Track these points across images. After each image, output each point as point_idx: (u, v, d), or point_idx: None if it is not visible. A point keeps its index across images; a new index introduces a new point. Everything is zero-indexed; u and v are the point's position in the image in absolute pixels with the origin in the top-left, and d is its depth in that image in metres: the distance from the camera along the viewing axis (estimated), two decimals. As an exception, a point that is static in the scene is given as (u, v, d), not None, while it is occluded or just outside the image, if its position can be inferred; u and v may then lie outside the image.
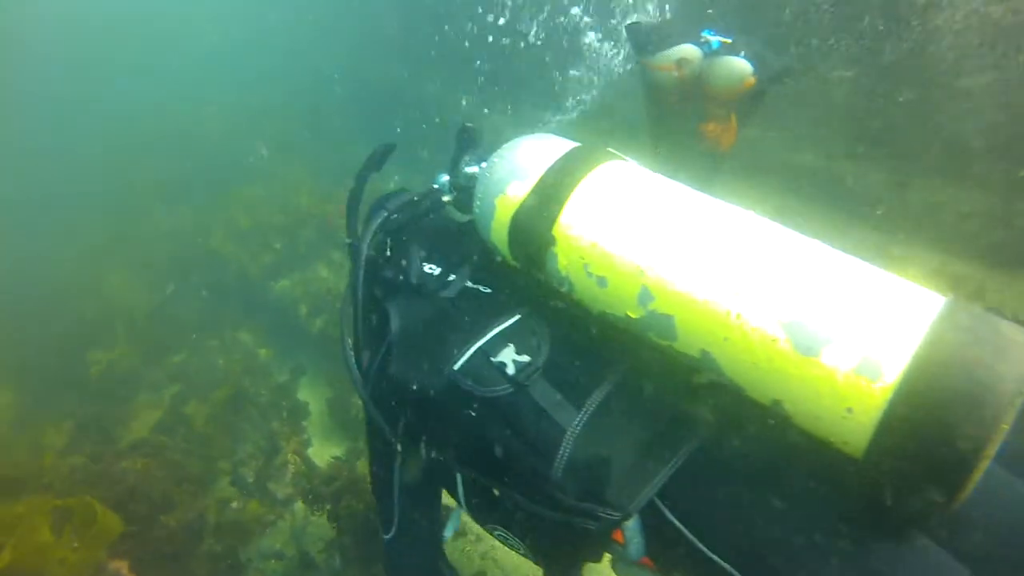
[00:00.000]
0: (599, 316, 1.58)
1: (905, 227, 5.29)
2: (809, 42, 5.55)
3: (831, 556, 1.29)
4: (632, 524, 1.46)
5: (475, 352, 1.64)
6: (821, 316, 1.23)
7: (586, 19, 4.26)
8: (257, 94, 11.60)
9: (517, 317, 1.71)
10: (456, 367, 1.64)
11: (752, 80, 3.13)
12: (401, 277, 1.89)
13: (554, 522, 1.51)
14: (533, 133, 1.80)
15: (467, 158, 1.97)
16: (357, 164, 2.11)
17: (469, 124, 1.98)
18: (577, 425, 1.48)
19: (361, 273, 1.87)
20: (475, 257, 1.89)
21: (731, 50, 3.13)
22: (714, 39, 3.11)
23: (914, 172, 5.37)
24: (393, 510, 1.93)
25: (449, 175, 2.02)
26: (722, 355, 1.34)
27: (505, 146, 1.75)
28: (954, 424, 1.08)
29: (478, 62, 7.36)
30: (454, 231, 2.02)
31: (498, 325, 1.69)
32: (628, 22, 3.38)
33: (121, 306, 7.05)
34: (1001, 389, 1.07)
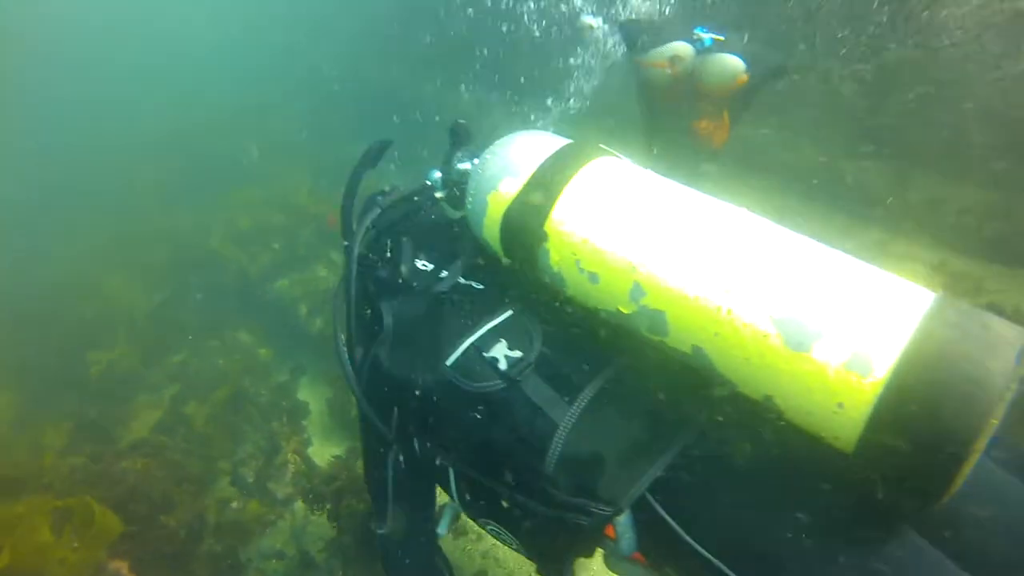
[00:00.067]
0: (591, 312, 1.58)
1: (906, 224, 5.29)
2: (814, 37, 5.55)
3: (822, 553, 1.29)
4: (624, 519, 1.46)
5: (467, 348, 1.65)
6: (812, 312, 1.24)
7: (588, 18, 4.26)
8: (256, 94, 11.62)
9: (509, 313, 1.71)
10: (448, 363, 1.65)
11: (744, 77, 3.13)
12: (394, 273, 1.89)
13: (546, 517, 1.51)
14: (527, 129, 1.81)
15: (460, 154, 1.98)
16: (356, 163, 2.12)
17: (462, 120, 1.98)
18: (569, 420, 1.48)
19: (354, 269, 1.87)
20: (468, 253, 1.89)
21: (724, 47, 3.13)
22: (707, 36, 3.11)
23: (915, 169, 5.37)
24: (387, 505, 1.94)
25: (442, 171, 2.02)
26: (713, 350, 1.35)
27: (497, 142, 1.76)
28: (943, 419, 1.08)
29: (478, 52, 7.36)
30: (447, 227, 2.02)
31: (490, 321, 1.69)
32: (624, 19, 3.38)
33: (121, 306, 7.06)
34: (990, 384, 1.08)
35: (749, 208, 1.48)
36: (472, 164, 1.89)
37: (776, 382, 1.27)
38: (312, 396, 5.66)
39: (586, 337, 1.62)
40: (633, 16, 3.85)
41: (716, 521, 1.39)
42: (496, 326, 1.68)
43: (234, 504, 4.61)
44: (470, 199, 1.75)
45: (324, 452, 4.95)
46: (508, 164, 1.67)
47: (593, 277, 1.50)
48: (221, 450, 5.05)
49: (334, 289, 2.09)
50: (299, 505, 4.47)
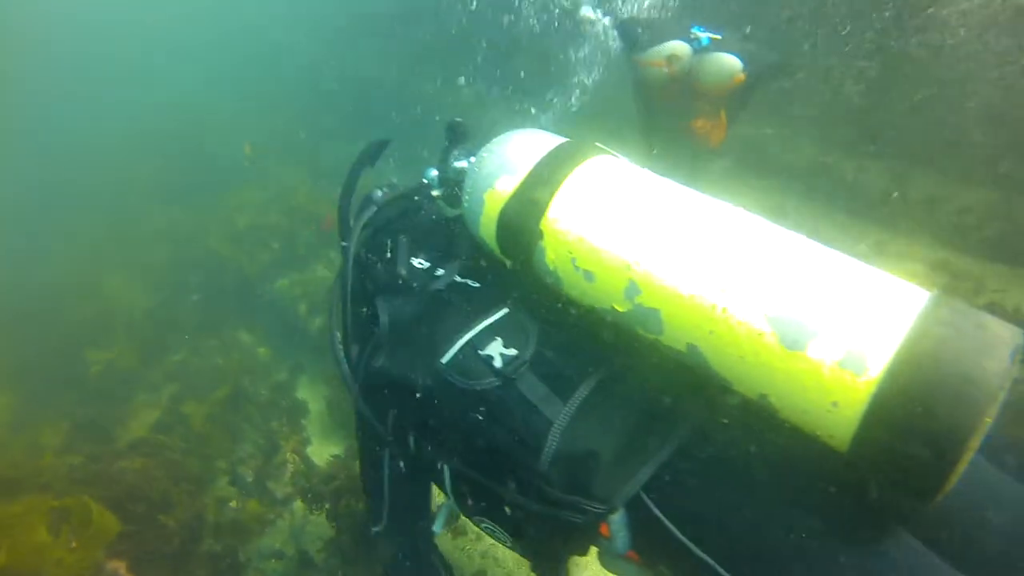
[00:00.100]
0: (586, 310, 1.58)
1: (906, 223, 5.29)
2: (815, 35, 5.54)
3: (816, 553, 1.29)
4: (618, 518, 1.46)
5: (463, 346, 1.65)
6: (806, 310, 1.24)
7: (587, 11, 4.25)
8: (255, 93, 11.62)
9: (505, 311, 1.71)
10: (444, 361, 1.65)
11: (741, 76, 3.13)
12: (390, 271, 1.89)
13: (540, 515, 1.51)
14: (526, 126, 1.81)
15: (457, 152, 1.98)
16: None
17: (459, 119, 1.99)
18: (564, 418, 1.48)
19: (350, 267, 1.87)
20: (464, 251, 1.90)
21: (721, 46, 3.13)
22: (704, 36, 3.11)
23: (915, 168, 5.37)
24: (383, 502, 1.94)
25: (439, 169, 2.02)
26: (708, 349, 1.35)
27: (494, 141, 1.76)
28: (937, 417, 1.08)
29: (478, 47, 7.36)
30: (443, 225, 2.03)
31: (486, 319, 1.69)
32: (622, 18, 3.37)
33: (120, 306, 7.07)
34: (984, 383, 1.08)
35: (748, 207, 1.48)
36: (469, 162, 1.89)
37: (771, 380, 1.27)
38: (311, 395, 5.66)
39: (581, 335, 1.62)
40: (635, 12, 3.84)
41: (710, 520, 1.39)
42: (492, 324, 1.68)
43: (233, 504, 4.61)
44: (466, 197, 1.75)
45: (323, 451, 4.94)
46: (504, 162, 1.67)
47: (589, 275, 1.50)
48: (220, 449, 5.04)
49: (332, 287, 2.09)
50: (298, 504, 4.46)
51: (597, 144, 1.69)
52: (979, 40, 4.77)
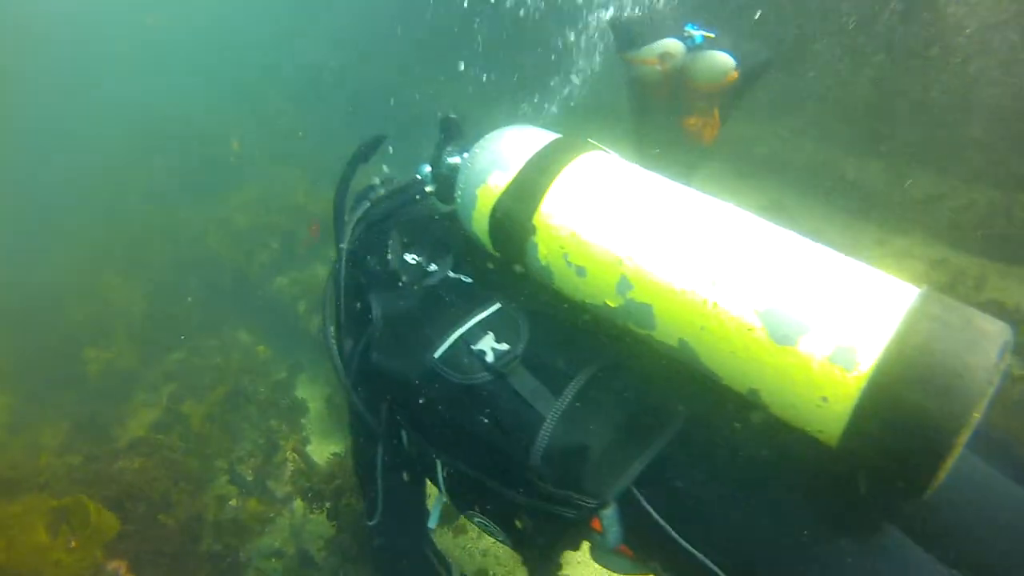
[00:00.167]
0: (578, 305, 1.58)
1: (906, 221, 5.28)
2: (816, 34, 5.53)
3: (806, 549, 1.29)
4: (610, 512, 1.46)
5: (455, 340, 1.65)
6: (797, 306, 1.24)
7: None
8: (254, 93, 11.63)
9: (497, 306, 1.71)
10: (436, 355, 1.65)
11: (735, 74, 3.12)
12: (383, 267, 1.90)
13: (532, 510, 1.52)
14: (519, 123, 1.81)
15: (450, 148, 1.98)
16: None
17: (452, 115, 1.99)
18: (555, 413, 1.48)
19: (343, 262, 1.87)
20: (457, 247, 1.90)
21: (714, 44, 3.12)
22: (697, 33, 3.10)
23: (915, 166, 5.36)
24: (377, 496, 1.94)
25: (432, 165, 2.02)
26: (699, 344, 1.35)
27: (487, 136, 1.76)
28: (927, 412, 1.08)
29: (478, 40, 7.34)
30: (436, 221, 2.03)
31: (478, 314, 1.70)
32: (613, 16, 3.37)
33: (119, 305, 7.08)
34: (973, 378, 1.08)
35: (746, 204, 1.48)
36: (462, 158, 1.89)
37: (761, 375, 1.27)
38: (311, 394, 5.67)
39: (573, 331, 1.63)
40: (627, 10, 3.85)
41: (701, 516, 1.39)
42: (484, 319, 1.68)
43: (233, 503, 4.62)
44: (459, 193, 1.75)
45: (323, 450, 4.95)
46: (497, 158, 1.67)
47: (580, 271, 1.50)
48: (219, 448, 5.06)
49: (325, 283, 2.09)
50: (298, 503, 4.47)
51: (589, 140, 1.69)
52: (982, 39, 4.76)
